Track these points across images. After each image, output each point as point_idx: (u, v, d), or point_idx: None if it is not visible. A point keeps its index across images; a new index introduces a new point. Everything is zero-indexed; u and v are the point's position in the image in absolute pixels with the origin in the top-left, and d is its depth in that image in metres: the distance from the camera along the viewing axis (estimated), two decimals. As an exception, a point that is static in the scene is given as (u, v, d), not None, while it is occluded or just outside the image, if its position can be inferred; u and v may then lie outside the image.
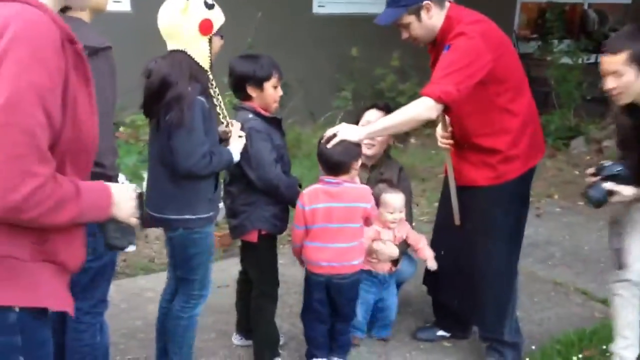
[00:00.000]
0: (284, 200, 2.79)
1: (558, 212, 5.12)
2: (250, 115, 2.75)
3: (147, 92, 2.47)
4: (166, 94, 2.38)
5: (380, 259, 3.07)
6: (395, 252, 3.08)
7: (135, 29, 4.59)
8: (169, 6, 2.44)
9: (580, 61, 7.06)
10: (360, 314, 3.10)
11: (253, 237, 2.79)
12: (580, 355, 3.05)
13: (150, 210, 2.54)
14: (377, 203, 2.94)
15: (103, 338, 2.45)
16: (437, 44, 2.75)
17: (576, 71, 6.84)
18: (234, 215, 2.81)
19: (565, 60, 7.00)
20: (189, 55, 2.43)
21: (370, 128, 2.77)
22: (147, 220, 2.57)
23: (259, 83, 2.75)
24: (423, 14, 2.70)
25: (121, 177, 4.06)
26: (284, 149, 2.82)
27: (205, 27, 2.43)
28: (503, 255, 2.93)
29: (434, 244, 3.17)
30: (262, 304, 2.88)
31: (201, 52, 2.45)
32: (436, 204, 3.34)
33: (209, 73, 2.48)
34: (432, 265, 3.08)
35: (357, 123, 3.14)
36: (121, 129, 4.92)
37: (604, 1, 9.12)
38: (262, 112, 2.78)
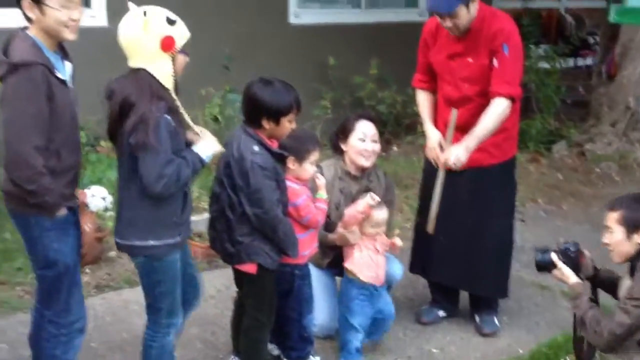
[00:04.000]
0: (278, 244, 2.65)
1: (543, 217, 5.08)
2: (256, 148, 2.58)
3: (109, 114, 2.35)
4: (129, 115, 2.27)
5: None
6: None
7: (113, 43, 4.47)
8: (128, 22, 2.34)
9: (558, 65, 7.08)
10: (359, 329, 3.00)
11: (250, 268, 2.67)
12: (567, 358, 3.01)
13: (116, 236, 2.46)
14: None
15: (67, 354, 2.45)
16: (469, 32, 3.04)
17: (554, 75, 6.85)
18: (231, 243, 2.66)
19: (544, 64, 7.00)
20: (150, 73, 2.32)
21: (471, 142, 3.01)
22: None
23: (276, 116, 2.59)
24: (471, 3, 2.97)
25: (101, 190, 3.96)
26: (284, 182, 2.68)
27: (166, 44, 2.32)
28: (510, 227, 3.38)
29: (431, 238, 3.26)
30: (256, 334, 2.77)
31: (163, 70, 2.33)
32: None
33: (172, 92, 2.36)
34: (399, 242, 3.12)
35: (344, 133, 3.16)
36: (102, 143, 4.80)
37: (580, 6, 9.18)
38: (270, 145, 2.62)
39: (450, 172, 3.08)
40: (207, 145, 2.44)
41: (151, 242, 2.37)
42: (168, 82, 2.34)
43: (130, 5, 2.38)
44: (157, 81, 2.32)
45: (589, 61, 7.72)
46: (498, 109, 3.00)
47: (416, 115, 3.42)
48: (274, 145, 2.64)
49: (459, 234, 3.24)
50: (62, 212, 2.33)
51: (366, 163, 3.13)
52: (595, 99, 6.55)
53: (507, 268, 3.37)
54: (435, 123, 3.25)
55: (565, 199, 5.44)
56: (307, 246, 2.82)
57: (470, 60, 3.07)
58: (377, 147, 3.16)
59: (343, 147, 3.17)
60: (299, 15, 6.38)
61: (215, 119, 5.00)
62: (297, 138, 2.74)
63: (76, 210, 2.47)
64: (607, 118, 6.37)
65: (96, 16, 5.25)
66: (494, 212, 3.25)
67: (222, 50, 5.41)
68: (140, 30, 2.29)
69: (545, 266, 2.64)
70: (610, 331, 2.40)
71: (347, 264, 3.00)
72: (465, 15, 2.96)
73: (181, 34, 2.36)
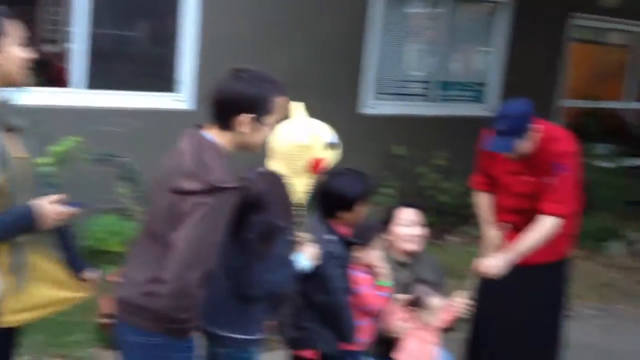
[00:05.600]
0: (338, 330, 2.70)
1: (593, 315, 5.20)
2: (330, 237, 2.65)
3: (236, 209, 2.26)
4: (256, 214, 2.22)
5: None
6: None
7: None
8: (291, 131, 2.34)
9: (619, 165, 7.24)
10: None
11: (311, 354, 2.73)
12: None
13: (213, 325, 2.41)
14: (416, 304, 3.13)
15: None
16: (531, 153, 3.17)
17: (616, 174, 7.01)
18: (295, 328, 2.72)
19: (606, 163, 7.19)
20: (288, 183, 2.32)
21: (512, 256, 3.13)
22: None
23: (349, 205, 2.65)
24: (529, 134, 3.12)
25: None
26: (348, 269, 2.76)
27: (316, 166, 2.35)
28: (559, 325, 3.48)
29: (482, 331, 3.46)
30: None
31: (302, 185, 2.36)
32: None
33: (303, 209, 2.38)
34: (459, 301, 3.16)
35: (389, 222, 3.28)
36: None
37: (644, 106, 9.35)
38: (345, 234, 2.69)
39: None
40: (307, 255, 2.49)
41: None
42: (299, 197, 2.36)
43: (296, 108, 2.40)
44: (290, 194, 2.32)
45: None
46: (543, 227, 3.12)
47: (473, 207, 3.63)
48: (346, 233, 2.72)
49: (509, 328, 3.39)
50: (194, 332, 2.20)
51: (412, 247, 3.21)
52: (653, 199, 6.68)
53: None
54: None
55: (617, 298, 5.56)
56: (366, 334, 2.88)
57: (529, 178, 3.22)
58: (423, 231, 3.24)
59: (389, 237, 3.23)
60: (373, 107, 6.82)
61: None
62: (361, 226, 2.82)
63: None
64: (665, 220, 6.49)
65: (185, 100, 5.66)
66: (543, 308, 3.40)
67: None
68: (299, 145, 2.30)
69: None
70: None
71: (397, 355, 3.04)
72: (525, 144, 3.12)
73: (334, 158, 2.39)
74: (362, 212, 2.72)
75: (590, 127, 7.43)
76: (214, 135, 2.09)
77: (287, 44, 6.14)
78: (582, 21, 8.10)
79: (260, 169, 2.37)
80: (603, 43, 9.05)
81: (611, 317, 5.19)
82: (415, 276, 3.28)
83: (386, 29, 6.78)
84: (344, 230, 2.74)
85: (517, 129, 3.07)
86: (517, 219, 3.29)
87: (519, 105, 3.16)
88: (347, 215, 2.71)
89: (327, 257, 2.60)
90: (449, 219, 6.47)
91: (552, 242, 3.21)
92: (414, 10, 7.32)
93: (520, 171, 3.26)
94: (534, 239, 3.16)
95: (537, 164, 3.19)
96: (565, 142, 3.22)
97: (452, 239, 6.41)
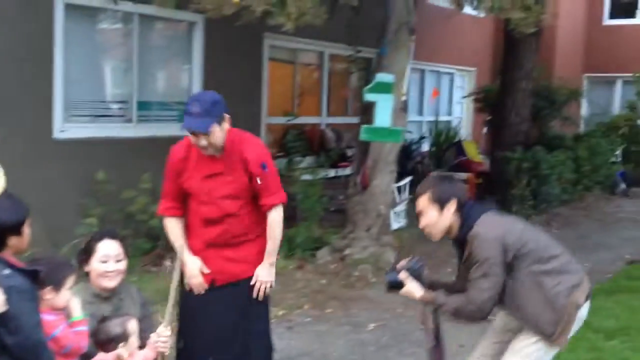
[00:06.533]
0: None
1: (308, 322, 5.37)
2: (7, 271, 2.39)
3: None
4: None
5: None
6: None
7: None
8: None
9: (320, 176, 7.71)
10: None
11: None
12: None
13: None
14: (115, 341, 2.92)
15: None
16: (224, 152, 3.25)
17: (317, 186, 7.44)
18: None
19: (307, 176, 7.60)
20: None
21: (272, 258, 3.34)
22: None
23: (18, 229, 2.47)
24: (223, 123, 3.21)
25: None
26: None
27: None
28: (270, 333, 3.54)
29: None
30: None
31: None
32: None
33: None
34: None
35: (87, 254, 3.08)
36: None
37: (339, 122, 10.19)
38: (18, 264, 2.44)
39: (214, 289, 3.29)
40: None
41: None
42: None
43: None
44: None
45: (347, 171, 8.52)
46: (277, 218, 3.33)
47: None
48: (20, 264, 2.46)
49: (218, 348, 3.32)
50: None
51: (110, 284, 3.07)
52: (351, 206, 7.18)
53: None
54: (190, 244, 3.37)
55: (328, 303, 5.83)
56: None
57: (230, 178, 3.25)
58: (121, 266, 3.10)
59: (87, 269, 3.08)
60: (65, 130, 6.28)
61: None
62: (50, 265, 2.65)
63: None
64: (362, 224, 7.00)
65: None
66: (258, 320, 3.41)
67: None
68: None
69: (396, 286, 2.90)
70: (483, 300, 2.70)
71: None
72: (219, 132, 3.17)
73: None
74: (28, 233, 2.53)
75: (291, 142, 7.76)
76: None
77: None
78: (276, 41, 8.50)
79: None
80: (299, 62, 9.64)
81: (324, 322, 5.40)
82: (116, 309, 3.11)
83: (72, 47, 6.30)
84: (18, 261, 2.49)
85: (210, 111, 3.15)
86: (222, 229, 3.28)
87: (210, 93, 3.31)
88: (16, 242, 2.48)
89: (9, 292, 2.32)
90: (163, 243, 6.21)
91: (256, 256, 3.32)
92: (101, 26, 6.91)
93: (220, 172, 3.28)
94: (278, 231, 3.33)
95: (234, 162, 3.27)
96: (258, 143, 3.40)
97: (167, 263, 6.15)
